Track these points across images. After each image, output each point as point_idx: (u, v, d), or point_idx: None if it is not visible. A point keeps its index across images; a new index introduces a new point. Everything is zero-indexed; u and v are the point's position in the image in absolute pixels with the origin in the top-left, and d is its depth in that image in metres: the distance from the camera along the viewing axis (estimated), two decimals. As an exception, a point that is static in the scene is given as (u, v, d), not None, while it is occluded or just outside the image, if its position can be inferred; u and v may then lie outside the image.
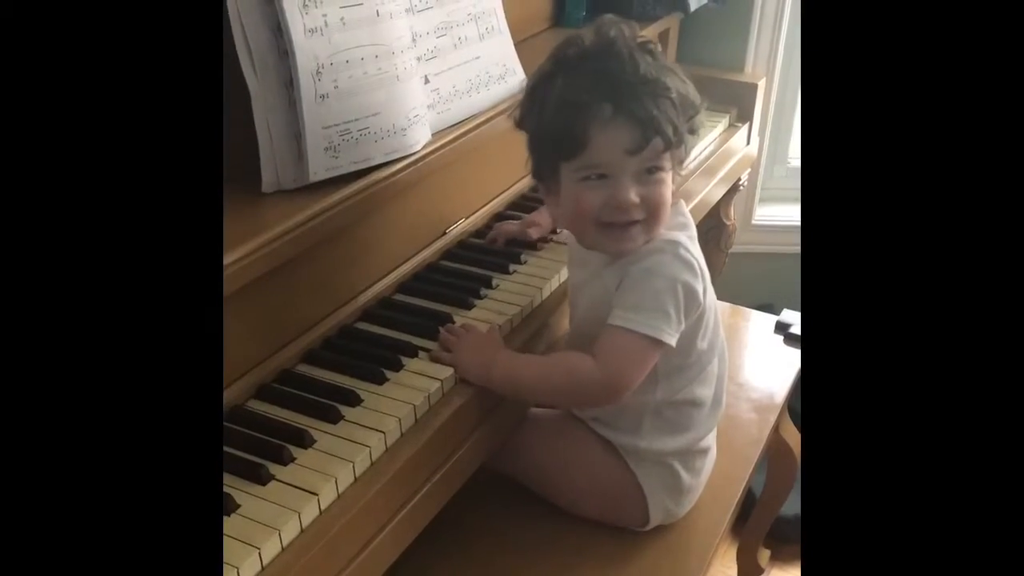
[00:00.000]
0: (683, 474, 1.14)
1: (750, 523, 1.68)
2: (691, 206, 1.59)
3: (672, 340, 0.99)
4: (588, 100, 0.95)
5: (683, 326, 1.01)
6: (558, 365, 1.04)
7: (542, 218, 1.29)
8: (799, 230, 2.26)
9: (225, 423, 0.90)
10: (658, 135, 0.96)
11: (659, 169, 0.99)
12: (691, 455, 1.15)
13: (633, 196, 0.98)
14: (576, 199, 1.00)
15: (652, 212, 1.00)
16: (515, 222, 1.31)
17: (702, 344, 1.09)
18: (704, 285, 1.03)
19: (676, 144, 0.98)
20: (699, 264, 1.03)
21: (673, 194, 1.05)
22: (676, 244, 1.01)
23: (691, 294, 1.00)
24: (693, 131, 1.01)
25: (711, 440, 1.19)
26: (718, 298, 1.12)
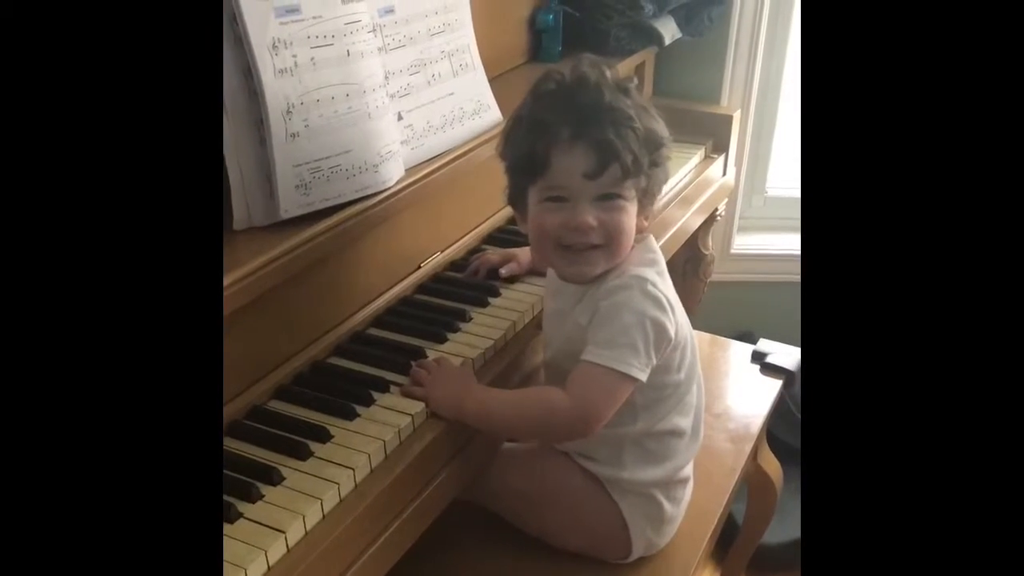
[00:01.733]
0: (665, 504, 1.15)
1: (732, 552, 1.68)
2: (668, 235, 1.61)
3: (642, 375, 1.00)
4: (550, 122, 0.99)
5: (654, 361, 1.02)
6: (530, 398, 1.06)
7: (523, 256, 1.30)
8: (777, 259, 2.31)
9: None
10: (616, 161, 0.98)
11: (619, 196, 1.01)
12: (672, 485, 1.16)
13: (591, 219, 1.00)
14: (537, 220, 1.04)
15: (611, 238, 1.02)
16: (498, 251, 1.32)
17: (679, 375, 1.10)
18: (675, 319, 1.04)
19: (635, 173, 1.00)
20: (668, 299, 1.04)
21: (643, 228, 1.07)
22: (644, 280, 1.02)
23: (660, 329, 1.01)
24: (656, 164, 1.03)
25: (690, 470, 1.20)
26: (696, 328, 1.13)
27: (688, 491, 1.20)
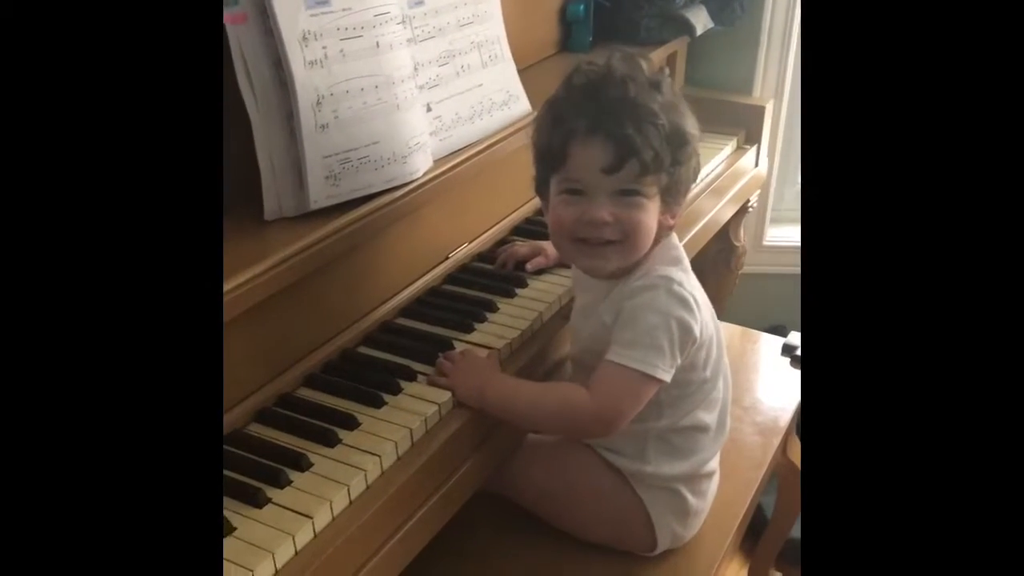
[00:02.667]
0: (690, 498, 1.14)
1: (761, 544, 1.67)
2: (699, 226, 1.60)
3: (667, 376, 1.00)
4: (570, 116, 0.99)
5: (678, 360, 1.02)
6: (552, 394, 1.05)
7: (551, 248, 1.30)
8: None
9: (224, 446, 0.92)
10: (635, 157, 0.97)
11: (638, 193, 1.00)
12: (697, 479, 1.15)
13: (605, 215, 0.99)
14: (555, 212, 1.04)
15: (627, 235, 1.01)
16: (526, 244, 1.33)
17: (704, 373, 1.10)
18: (701, 318, 1.03)
19: (655, 170, 0.98)
20: (694, 298, 1.03)
21: (669, 227, 1.06)
22: (669, 280, 1.02)
23: (685, 329, 1.01)
24: (680, 161, 1.01)
25: (716, 463, 1.19)
26: (728, 320, 1.11)
27: (714, 484, 1.20)
